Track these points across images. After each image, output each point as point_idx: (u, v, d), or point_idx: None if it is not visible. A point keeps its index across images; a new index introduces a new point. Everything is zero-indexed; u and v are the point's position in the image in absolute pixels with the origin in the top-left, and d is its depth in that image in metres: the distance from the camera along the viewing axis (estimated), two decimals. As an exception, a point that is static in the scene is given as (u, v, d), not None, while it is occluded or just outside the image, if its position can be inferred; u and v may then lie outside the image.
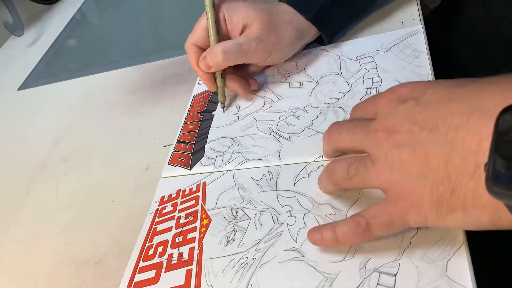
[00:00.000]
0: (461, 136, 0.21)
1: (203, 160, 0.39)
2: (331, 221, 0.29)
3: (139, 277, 0.32)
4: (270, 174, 0.35)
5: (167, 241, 0.34)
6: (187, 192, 0.37)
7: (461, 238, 0.25)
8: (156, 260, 0.33)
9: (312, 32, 0.42)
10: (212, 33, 0.40)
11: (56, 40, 0.80)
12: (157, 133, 0.46)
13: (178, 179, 0.39)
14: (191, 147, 0.41)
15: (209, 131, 0.42)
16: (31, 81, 0.71)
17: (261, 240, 0.31)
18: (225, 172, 0.37)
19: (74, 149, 0.51)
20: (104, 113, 0.54)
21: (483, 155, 0.20)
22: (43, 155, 0.52)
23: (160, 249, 0.33)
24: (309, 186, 0.32)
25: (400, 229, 0.25)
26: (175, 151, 0.42)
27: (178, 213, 0.36)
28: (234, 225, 0.33)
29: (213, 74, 0.41)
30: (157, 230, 0.35)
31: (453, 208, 0.22)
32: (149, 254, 0.34)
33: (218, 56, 0.38)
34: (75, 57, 0.73)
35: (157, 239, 0.34)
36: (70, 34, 0.80)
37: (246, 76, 0.43)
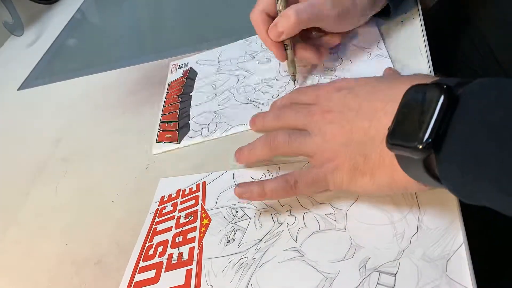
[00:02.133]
0: (379, 116, 0.26)
1: (190, 133, 0.42)
2: (331, 220, 0.30)
3: (139, 277, 0.32)
4: (269, 173, 0.35)
5: (167, 241, 0.34)
6: (187, 192, 0.37)
7: (461, 237, 0.25)
8: (156, 260, 0.33)
9: (382, 2, 0.40)
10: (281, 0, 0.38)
11: (56, 40, 0.80)
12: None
13: (178, 179, 0.39)
14: (176, 125, 0.44)
15: (190, 109, 0.45)
16: (31, 81, 0.71)
17: (261, 240, 0.31)
18: (224, 171, 0.37)
19: (74, 149, 0.51)
20: (104, 113, 0.54)
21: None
22: (43, 155, 0.51)
23: (160, 249, 0.33)
24: None
25: (322, 189, 0.30)
26: (160, 130, 0.44)
27: (178, 213, 0.36)
28: (234, 225, 0.32)
29: (283, 44, 0.39)
30: (157, 230, 0.35)
31: (364, 173, 0.27)
32: (149, 254, 0.34)
33: (291, 18, 0.36)
34: (75, 57, 0.73)
35: (157, 239, 0.34)
36: (70, 34, 0.80)
37: (316, 46, 0.42)
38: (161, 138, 0.43)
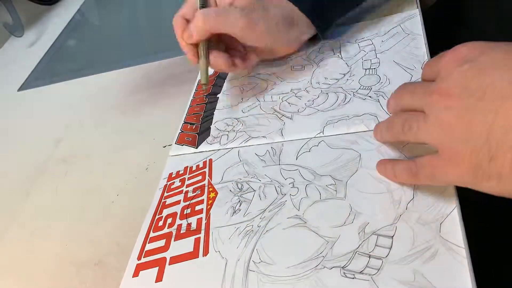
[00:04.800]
0: (507, 107, 0.21)
1: (209, 139, 0.41)
2: (332, 190, 0.31)
3: (149, 246, 0.34)
4: (273, 150, 0.36)
5: (176, 213, 0.35)
6: (194, 168, 0.38)
7: (454, 202, 0.26)
8: (165, 230, 0.34)
9: (305, 24, 0.40)
10: (198, 4, 0.39)
11: (56, 40, 0.80)
12: (157, 133, 0.46)
13: (185, 157, 0.40)
14: (197, 128, 0.43)
15: (214, 112, 0.44)
16: (31, 82, 0.71)
17: (265, 210, 0.32)
18: (230, 149, 0.38)
19: (74, 149, 0.51)
20: (104, 113, 0.54)
21: None
22: (43, 156, 0.52)
23: (169, 220, 0.35)
24: (311, 159, 0.34)
25: (443, 183, 0.27)
26: (182, 131, 0.43)
27: (186, 187, 0.37)
28: (239, 197, 0.34)
29: (197, 49, 0.40)
30: (166, 203, 0.36)
31: (489, 176, 0.23)
32: (159, 225, 0.35)
33: (199, 19, 0.37)
34: (75, 58, 0.73)
35: (166, 211, 0.36)
36: (70, 34, 0.80)
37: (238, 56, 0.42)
38: (180, 140, 0.42)
